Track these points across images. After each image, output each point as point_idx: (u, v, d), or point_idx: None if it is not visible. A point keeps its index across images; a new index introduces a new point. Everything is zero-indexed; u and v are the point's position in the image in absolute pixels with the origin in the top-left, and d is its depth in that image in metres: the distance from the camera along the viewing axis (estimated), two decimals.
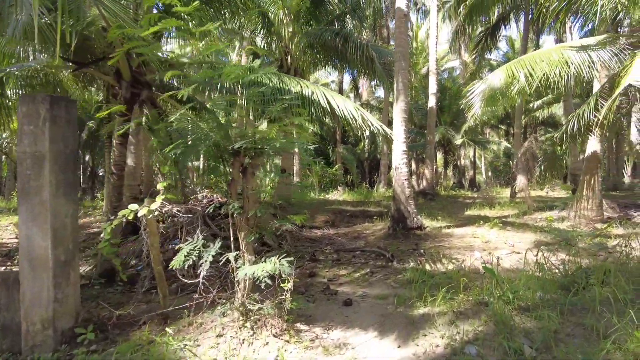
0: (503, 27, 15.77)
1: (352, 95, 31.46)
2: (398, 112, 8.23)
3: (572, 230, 8.31)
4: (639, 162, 20.53)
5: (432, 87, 14.11)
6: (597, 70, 8.59)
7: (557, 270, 4.76)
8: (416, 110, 23.27)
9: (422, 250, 6.92)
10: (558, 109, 23.56)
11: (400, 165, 8.25)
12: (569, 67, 5.93)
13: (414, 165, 28.93)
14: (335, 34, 9.95)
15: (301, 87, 6.64)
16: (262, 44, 12.45)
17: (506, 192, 16.68)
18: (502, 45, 28.63)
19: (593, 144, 8.79)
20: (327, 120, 30.51)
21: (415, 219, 8.22)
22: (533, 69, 5.88)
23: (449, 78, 25.98)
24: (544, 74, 5.85)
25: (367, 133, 28.34)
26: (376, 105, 27.85)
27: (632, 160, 23.49)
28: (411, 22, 25.14)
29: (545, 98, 24.59)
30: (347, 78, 31.98)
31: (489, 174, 36.07)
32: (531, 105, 24.54)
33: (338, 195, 16.87)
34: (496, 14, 15.10)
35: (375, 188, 19.46)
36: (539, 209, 11.20)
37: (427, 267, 5.91)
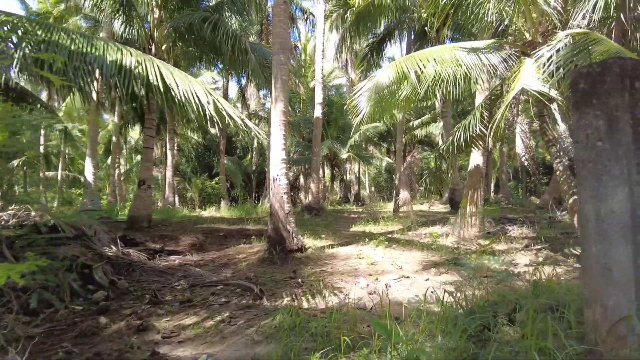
0: (388, 42, 15.87)
1: (239, 104, 29.88)
2: (276, 115, 7.00)
3: (458, 248, 7.94)
4: (503, 179, 22.69)
5: (318, 97, 13.37)
6: (479, 84, 8.54)
7: (458, 305, 3.87)
8: (304, 123, 22.64)
9: (300, 280, 5.68)
10: (434, 129, 25.07)
11: (279, 176, 7.00)
12: (461, 67, 5.35)
13: (302, 180, 28.33)
14: (203, 20, 8.42)
15: (122, 54, 4.97)
16: (121, 29, 10.31)
17: (390, 207, 16.68)
18: (386, 64, 29.85)
19: (476, 158, 8.65)
20: (213, 130, 28.40)
21: (295, 239, 7.00)
22: (425, 66, 5.18)
23: (335, 94, 26.07)
24: (435, 72, 5.19)
25: (255, 144, 26.95)
26: (264, 117, 26.69)
27: (495, 176, 26.08)
28: (299, 30, 24.69)
29: (423, 118, 26.05)
30: (235, 87, 30.26)
31: (372, 189, 37.41)
32: (411, 124, 25.75)
33: (216, 211, 15.04)
34: (382, 27, 15.10)
35: (260, 203, 18.05)
36: (422, 223, 10.95)
37: (305, 303, 4.67)
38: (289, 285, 5.59)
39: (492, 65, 5.65)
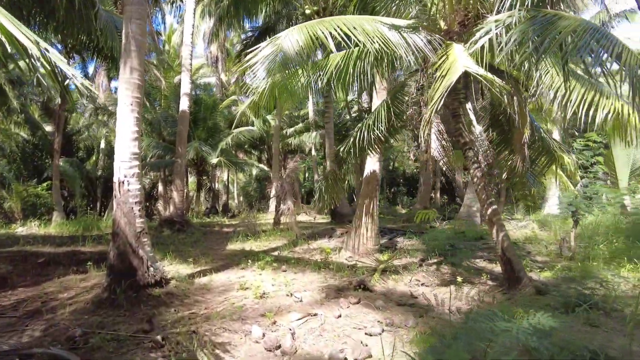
0: (268, 37, 14.38)
1: (84, 99, 24.96)
2: (127, 88, 4.87)
3: (356, 265, 6.77)
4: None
5: (185, 86, 11.08)
6: (377, 82, 7.63)
7: None
8: (166, 121, 19.64)
9: (160, 336, 3.68)
10: (307, 138, 24.48)
11: (128, 178, 4.84)
12: (387, 45, 4.14)
13: (160, 188, 24.80)
14: None
15: None
16: None
17: (267, 218, 15.11)
18: None
19: (372, 163, 7.68)
20: (49, 127, 22.90)
21: (151, 268, 4.90)
22: (342, 31, 3.81)
23: (205, 93, 23.53)
24: (359, 44, 3.86)
25: (102, 145, 22.63)
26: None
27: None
28: (163, 13, 21.67)
29: (296, 127, 25.34)
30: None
31: (241, 198, 35.36)
32: (284, 132, 24.73)
33: (42, 226, 11.42)
34: (262, 18, 13.61)
35: (105, 215, 14.60)
36: (308, 237, 9.65)
37: None
38: (141, 346, 3.58)
39: (418, 48, 4.59)
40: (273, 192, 18.21)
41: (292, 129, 25.79)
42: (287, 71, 3.81)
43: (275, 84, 3.84)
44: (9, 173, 21.99)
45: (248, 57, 3.92)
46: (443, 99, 4.07)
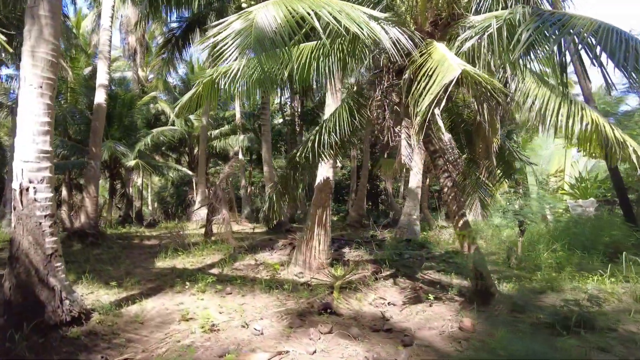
0: (198, 32, 13.12)
1: None
2: (33, 63, 3.70)
3: (311, 284, 6.09)
4: None
5: (102, 77, 9.46)
6: (330, 85, 7.06)
7: None
8: (73, 117, 17.19)
9: None
10: (234, 141, 23.28)
11: (35, 184, 3.67)
12: (375, 33, 3.56)
13: (64, 192, 21.82)
14: None
15: None
16: None
17: (192, 228, 13.76)
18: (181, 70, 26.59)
19: (324, 170, 7.09)
20: None
21: (66, 301, 3.77)
22: (329, 12, 3.14)
23: (121, 88, 21.10)
24: (340, 27, 3.20)
25: None
26: (10, 104, 19.39)
27: None
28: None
29: (222, 129, 24.06)
30: None
31: (155, 205, 32.68)
32: (209, 133, 23.25)
33: None
34: (192, 11, 12.38)
35: None
36: (247, 249, 8.75)
37: None
38: None
39: (399, 42, 4.09)
40: (198, 199, 16.81)
41: (217, 131, 24.46)
42: (263, 52, 3.05)
43: (252, 65, 3.02)
44: None
45: (214, 30, 3.07)
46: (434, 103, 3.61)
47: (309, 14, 3.13)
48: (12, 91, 22.37)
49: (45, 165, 3.72)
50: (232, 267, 7.19)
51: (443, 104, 3.90)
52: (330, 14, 3.27)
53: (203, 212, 15.01)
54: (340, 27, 3.28)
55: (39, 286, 3.62)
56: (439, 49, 4.10)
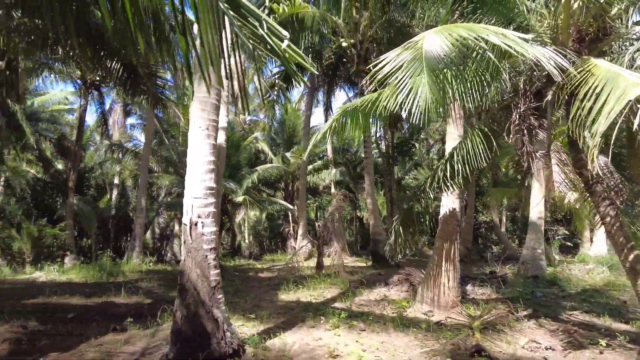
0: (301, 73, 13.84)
1: (97, 136, 24.56)
2: (202, 107, 4.04)
3: (451, 323, 5.68)
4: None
5: (222, 120, 10.30)
6: (452, 110, 6.85)
7: None
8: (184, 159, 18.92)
9: None
10: (326, 175, 23.75)
11: (203, 219, 3.90)
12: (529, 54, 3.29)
13: (176, 227, 23.75)
14: None
15: None
16: None
17: (297, 260, 13.94)
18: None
19: (450, 201, 6.74)
20: (60, 166, 22.23)
21: (227, 334, 3.86)
22: (494, 34, 2.99)
23: (228, 130, 22.99)
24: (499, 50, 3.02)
25: (116, 181, 21.85)
26: (132, 149, 21.98)
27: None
28: None
29: (315, 164, 24.67)
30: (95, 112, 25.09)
31: (251, 238, 34.13)
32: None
33: (60, 272, 10.31)
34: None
35: (126, 258, 13.50)
36: (359, 284, 8.55)
37: None
38: None
39: (556, 62, 3.77)
40: (300, 232, 17.17)
41: (310, 166, 25.17)
42: (435, 78, 2.97)
43: (415, 91, 2.95)
44: (18, 212, 21.12)
45: (379, 65, 3.08)
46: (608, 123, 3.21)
47: (476, 39, 2.99)
48: (134, 138, 25.44)
49: (211, 201, 3.97)
50: (354, 302, 7.01)
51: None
52: (495, 35, 3.10)
53: (305, 245, 15.32)
54: (499, 50, 3.09)
55: (205, 317, 3.77)
56: (601, 64, 3.70)
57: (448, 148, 7.06)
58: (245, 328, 5.28)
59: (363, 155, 17.70)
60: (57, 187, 21.01)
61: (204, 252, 3.86)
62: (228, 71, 3.31)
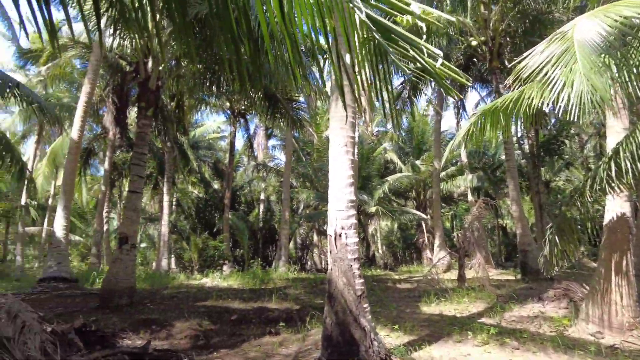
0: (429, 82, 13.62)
1: (245, 157, 27.58)
2: (340, 126, 4.30)
3: (630, 348, 4.86)
4: None
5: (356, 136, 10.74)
6: (615, 103, 5.93)
7: None
8: (318, 173, 20.04)
9: None
10: (461, 181, 22.50)
11: (346, 230, 4.11)
12: None
13: (315, 238, 25.15)
14: None
15: None
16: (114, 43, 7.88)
17: (435, 272, 13.48)
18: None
19: (617, 205, 5.79)
20: (216, 185, 25.75)
21: (374, 343, 3.96)
22: None
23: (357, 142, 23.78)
24: None
25: (262, 197, 24.16)
26: (274, 168, 24.18)
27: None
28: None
29: (447, 170, 23.62)
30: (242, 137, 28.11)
31: (384, 248, 34.05)
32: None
33: (221, 278, 11.84)
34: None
35: (273, 267, 14.86)
36: (507, 298, 7.86)
37: None
38: None
39: None
40: (437, 242, 16.61)
41: (443, 173, 24.17)
42: (593, 66, 2.66)
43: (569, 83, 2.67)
44: (187, 227, 24.97)
45: (523, 63, 2.90)
46: None
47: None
48: (275, 157, 27.90)
49: (352, 213, 4.17)
50: (503, 318, 6.49)
51: None
52: None
53: (444, 256, 14.73)
54: None
55: (353, 325, 3.94)
56: None
57: (610, 143, 6.10)
58: (389, 338, 5.33)
59: (504, 158, 16.45)
60: (214, 205, 24.23)
61: (349, 262, 4.07)
62: (362, 89, 3.50)
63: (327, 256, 11.83)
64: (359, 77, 2.98)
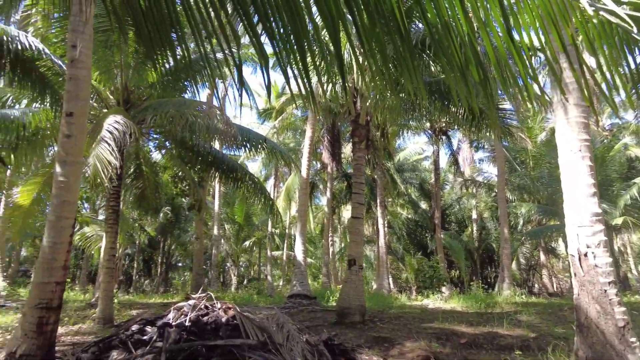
0: None
1: (450, 175, 26.86)
2: (570, 130, 3.79)
3: None
4: None
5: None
6: None
7: None
8: (539, 182, 17.72)
9: None
10: None
11: (593, 249, 3.55)
12: None
13: (542, 257, 22.18)
14: None
15: None
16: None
17: None
18: None
19: None
20: (424, 205, 25.87)
21: None
22: None
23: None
24: None
25: (474, 215, 22.94)
26: (483, 182, 22.73)
27: None
28: None
29: None
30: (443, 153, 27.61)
31: (639, 268, 26.86)
32: None
33: (442, 301, 11.65)
34: None
35: (496, 289, 13.74)
36: None
37: None
38: None
39: None
40: None
41: None
42: None
43: None
44: (399, 247, 25.67)
45: None
46: None
47: None
48: (483, 171, 26.20)
49: (600, 228, 3.58)
50: None
51: None
52: None
53: None
54: None
55: None
56: None
57: None
58: None
59: None
60: (424, 225, 24.26)
61: (601, 286, 3.47)
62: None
63: (558, 278, 10.15)
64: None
